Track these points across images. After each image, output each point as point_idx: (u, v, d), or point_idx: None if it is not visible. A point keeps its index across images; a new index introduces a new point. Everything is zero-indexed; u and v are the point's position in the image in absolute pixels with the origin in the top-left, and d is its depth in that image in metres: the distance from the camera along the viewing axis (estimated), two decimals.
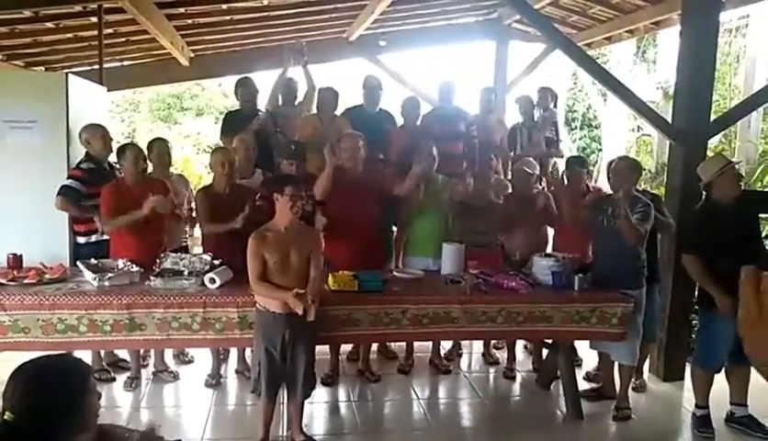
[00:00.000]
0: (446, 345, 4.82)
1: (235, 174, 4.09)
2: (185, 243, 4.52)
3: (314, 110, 5.01)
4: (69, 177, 4.01)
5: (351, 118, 4.91)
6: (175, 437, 2.10)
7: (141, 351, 4.31)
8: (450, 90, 5.23)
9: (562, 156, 5.53)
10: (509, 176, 4.99)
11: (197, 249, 4.47)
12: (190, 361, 4.56)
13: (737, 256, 3.55)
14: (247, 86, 4.96)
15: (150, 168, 4.23)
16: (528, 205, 4.34)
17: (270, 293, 3.13)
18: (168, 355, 4.48)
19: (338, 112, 5.01)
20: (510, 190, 4.67)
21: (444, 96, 5.25)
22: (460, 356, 4.90)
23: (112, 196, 3.84)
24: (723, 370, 3.78)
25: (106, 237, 4.09)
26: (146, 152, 4.17)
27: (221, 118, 5.09)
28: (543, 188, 4.74)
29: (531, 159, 4.63)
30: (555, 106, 5.76)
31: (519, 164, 4.57)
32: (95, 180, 4.00)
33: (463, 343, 5.16)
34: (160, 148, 4.32)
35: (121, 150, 4.01)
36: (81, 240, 4.16)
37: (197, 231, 4.59)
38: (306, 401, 3.44)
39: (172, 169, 4.70)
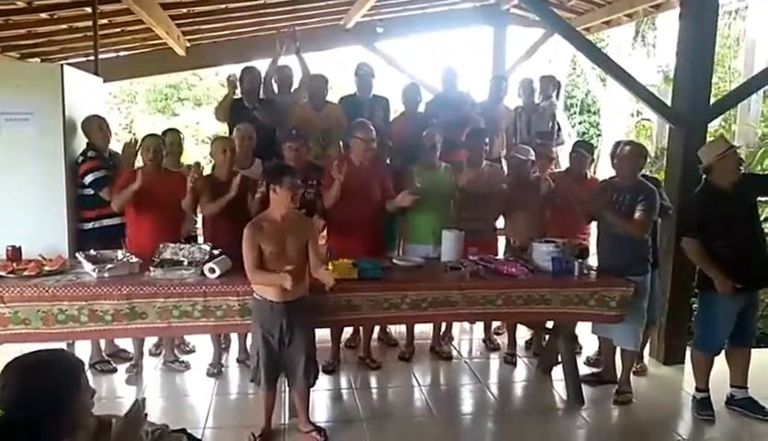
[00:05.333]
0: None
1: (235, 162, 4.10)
2: (194, 233, 4.52)
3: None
4: (88, 171, 4.05)
5: (345, 107, 4.90)
6: (178, 426, 2.11)
7: (155, 340, 4.35)
8: (453, 76, 5.19)
9: (563, 144, 5.49)
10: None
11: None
12: (191, 351, 4.57)
13: (736, 239, 3.56)
14: (253, 74, 4.92)
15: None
16: (526, 191, 4.32)
17: (265, 279, 3.14)
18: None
19: (333, 100, 4.99)
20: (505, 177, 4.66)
21: (447, 82, 5.21)
22: (451, 340, 4.92)
23: (129, 180, 3.85)
24: (723, 353, 3.79)
25: (115, 221, 4.12)
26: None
27: (223, 105, 5.01)
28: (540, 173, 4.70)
29: (525, 146, 4.59)
30: (557, 95, 5.68)
31: (513, 152, 4.57)
32: (103, 166, 4.11)
33: (464, 328, 5.19)
34: (172, 138, 4.39)
35: (142, 139, 4.10)
36: (88, 226, 4.17)
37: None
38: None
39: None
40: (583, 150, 4.49)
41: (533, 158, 4.40)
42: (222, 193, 3.87)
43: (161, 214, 3.93)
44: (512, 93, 5.64)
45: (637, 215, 3.67)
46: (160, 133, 4.38)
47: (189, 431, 2.14)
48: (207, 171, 4.30)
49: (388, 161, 4.67)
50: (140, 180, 3.74)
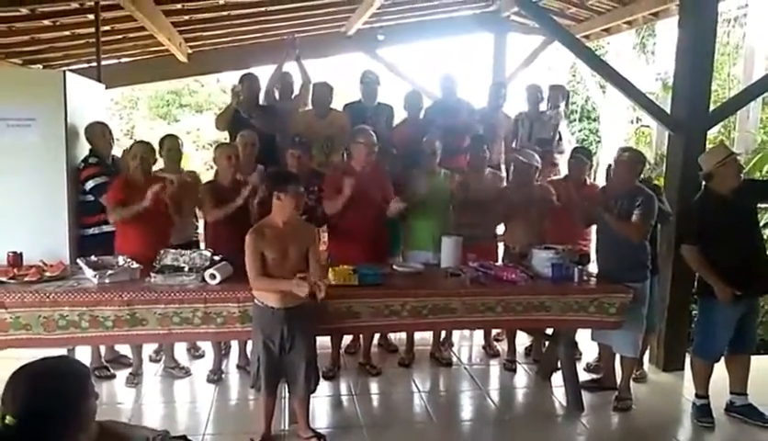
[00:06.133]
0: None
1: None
2: (195, 239, 4.52)
3: (310, 104, 5.02)
4: (89, 178, 4.09)
5: (350, 114, 4.92)
6: (178, 433, 2.11)
7: (155, 346, 4.36)
8: (452, 83, 5.21)
9: (563, 152, 5.48)
10: (511, 168, 4.96)
11: None
12: (201, 356, 4.58)
13: (736, 246, 3.56)
14: (251, 81, 4.93)
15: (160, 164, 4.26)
16: (527, 196, 4.32)
17: (272, 286, 3.13)
18: (181, 350, 4.53)
19: (337, 107, 5.01)
20: (506, 183, 4.66)
21: (445, 88, 5.23)
22: (451, 346, 4.92)
23: (120, 189, 3.86)
24: (723, 360, 3.79)
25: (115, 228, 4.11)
26: (157, 149, 4.24)
27: (224, 115, 5.01)
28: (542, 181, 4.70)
29: (529, 151, 4.58)
30: (567, 105, 5.65)
31: (515, 156, 4.56)
32: (104, 172, 4.13)
33: (464, 335, 5.19)
34: (170, 144, 4.35)
35: (130, 146, 4.08)
36: (89, 232, 4.19)
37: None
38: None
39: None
40: (582, 156, 4.51)
41: (537, 164, 4.38)
42: (225, 199, 3.89)
43: (148, 221, 3.84)
44: (512, 100, 5.64)
45: (633, 219, 3.68)
46: (158, 140, 4.37)
47: (189, 437, 2.14)
48: (208, 177, 4.31)
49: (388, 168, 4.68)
50: (148, 200, 3.68)
